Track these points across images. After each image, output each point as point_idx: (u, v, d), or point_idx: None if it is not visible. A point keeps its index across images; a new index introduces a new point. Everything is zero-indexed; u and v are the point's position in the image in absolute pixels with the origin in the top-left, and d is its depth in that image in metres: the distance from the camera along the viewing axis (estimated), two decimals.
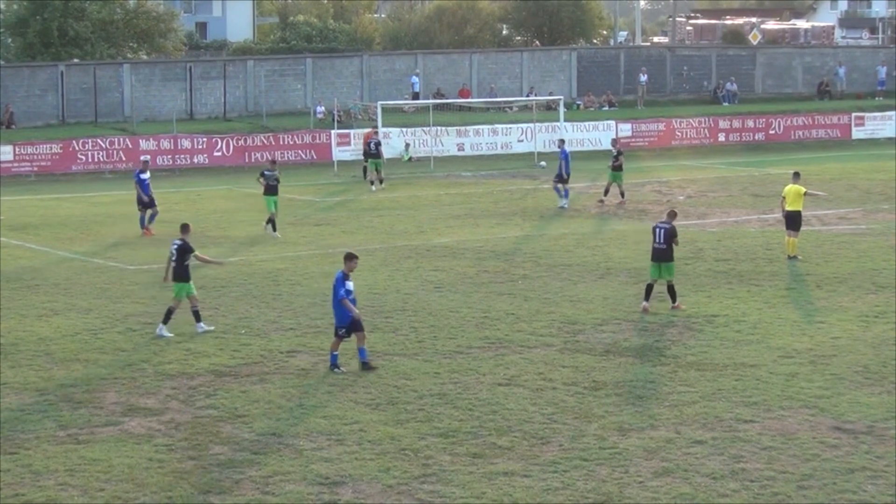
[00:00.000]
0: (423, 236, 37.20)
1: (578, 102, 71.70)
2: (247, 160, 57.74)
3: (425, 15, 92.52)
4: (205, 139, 58.18)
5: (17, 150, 55.14)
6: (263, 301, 27.94)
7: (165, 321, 24.79)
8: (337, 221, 40.63)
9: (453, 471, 16.80)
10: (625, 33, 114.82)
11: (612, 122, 64.36)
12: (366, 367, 21.86)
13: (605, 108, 71.12)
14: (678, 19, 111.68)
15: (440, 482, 16.40)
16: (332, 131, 58.83)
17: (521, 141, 62.16)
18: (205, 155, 57.83)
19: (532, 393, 20.46)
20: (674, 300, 26.54)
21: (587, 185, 48.61)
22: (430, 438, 18.15)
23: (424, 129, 60.16)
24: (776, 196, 37.57)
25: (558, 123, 59.35)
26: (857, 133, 67.51)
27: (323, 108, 65.07)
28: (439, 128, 60.55)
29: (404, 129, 60.72)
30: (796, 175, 33.48)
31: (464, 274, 30.91)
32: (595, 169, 49.83)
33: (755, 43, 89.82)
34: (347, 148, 58.47)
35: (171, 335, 24.49)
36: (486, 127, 62.43)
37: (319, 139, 59.48)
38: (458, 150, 61.08)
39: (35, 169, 55.24)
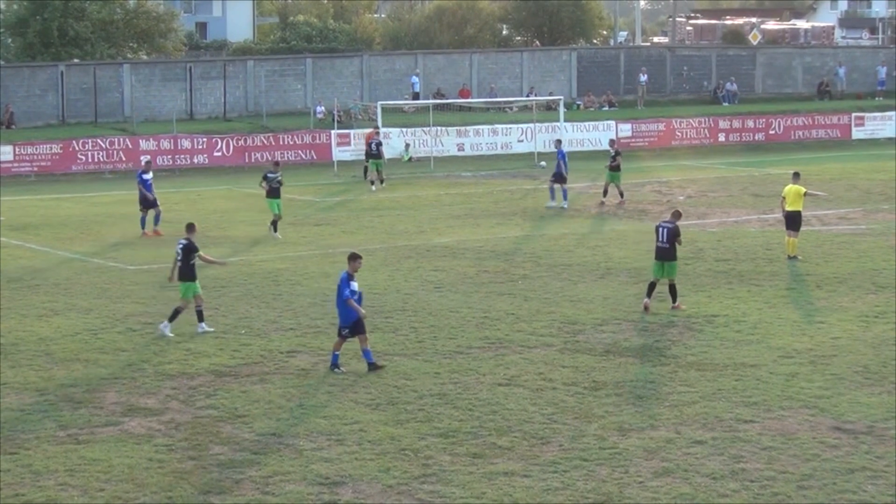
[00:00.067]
0: (424, 236, 37.21)
1: (578, 102, 71.70)
2: (247, 160, 57.75)
3: (425, 15, 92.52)
4: (205, 139, 58.18)
5: (17, 150, 55.14)
6: (264, 301, 27.95)
7: (171, 319, 24.78)
8: (337, 221, 40.64)
9: (453, 471, 16.80)
10: (625, 33, 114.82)
11: (612, 123, 64.36)
12: (373, 367, 21.82)
13: (605, 109, 71.13)
14: (678, 19, 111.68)
15: (440, 482, 16.41)
16: (332, 131, 58.83)
17: (521, 141, 62.17)
18: (205, 155, 57.83)
19: (532, 393, 20.46)
20: (674, 300, 26.55)
21: (587, 185, 48.62)
22: (430, 438, 18.15)
23: (424, 129, 60.16)
24: (776, 196, 37.57)
25: (558, 123, 59.35)
26: (857, 133, 67.52)
27: (323, 108, 65.07)
28: (439, 128, 60.55)
29: (404, 130, 60.72)
30: (796, 175, 33.48)
31: (464, 274, 30.92)
32: (595, 169, 49.83)
33: (755, 43, 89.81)
34: (347, 148, 58.48)
35: (172, 335, 24.49)
36: (486, 127, 62.44)
37: (319, 139, 59.48)
38: (459, 150, 61.09)
39: (35, 169, 55.24)
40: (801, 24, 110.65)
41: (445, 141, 60.87)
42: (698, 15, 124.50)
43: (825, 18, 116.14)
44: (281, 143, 58.96)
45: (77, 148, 55.99)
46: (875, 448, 17.56)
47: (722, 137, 65.54)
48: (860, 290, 28.39)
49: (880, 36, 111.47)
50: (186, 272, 24.90)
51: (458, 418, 19.12)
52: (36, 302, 28.12)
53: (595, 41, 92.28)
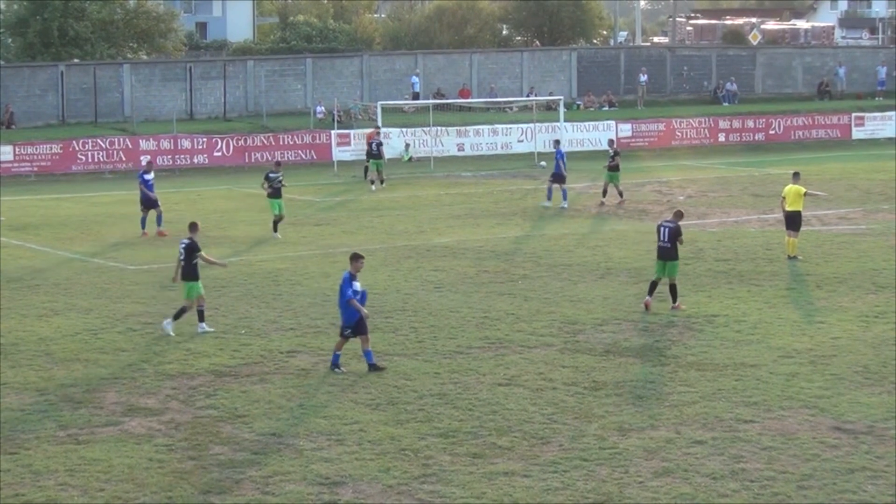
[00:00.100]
0: (424, 236, 37.21)
1: (578, 102, 71.71)
2: (247, 160, 57.77)
3: (425, 15, 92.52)
4: (205, 139, 58.19)
5: (17, 150, 55.15)
6: (264, 301, 27.95)
7: (175, 318, 24.77)
8: (337, 221, 40.65)
9: (453, 471, 16.80)
10: (625, 33, 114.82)
11: (612, 123, 64.37)
12: (374, 368, 21.82)
13: (605, 109, 71.14)
14: (678, 19, 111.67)
15: (440, 482, 16.41)
16: (332, 131, 58.84)
17: (521, 141, 62.19)
18: (205, 155, 57.85)
19: (532, 393, 20.46)
20: (674, 300, 26.56)
21: (587, 185, 48.63)
22: (431, 438, 18.15)
23: (424, 129, 60.18)
24: (776, 196, 37.57)
25: (558, 123, 59.35)
26: (857, 133, 67.53)
27: (323, 108, 65.07)
28: (439, 128, 60.57)
29: (404, 130, 60.74)
30: (796, 175, 33.48)
31: (464, 274, 30.92)
32: (595, 169, 49.82)
33: (755, 43, 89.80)
34: (347, 148, 58.50)
35: (174, 335, 24.49)
36: (486, 127, 62.46)
37: (319, 139, 59.49)
38: (459, 150, 61.11)
39: (35, 169, 55.25)
40: (801, 24, 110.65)
41: (445, 141, 60.88)
42: (698, 15, 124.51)
43: (825, 18, 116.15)
44: (281, 143, 58.97)
45: (77, 148, 56.01)
46: (875, 448, 17.56)
47: (722, 137, 65.56)
48: (860, 290, 28.40)
49: (880, 36, 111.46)
50: (189, 272, 24.89)
51: (458, 418, 19.12)
52: (36, 302, 28.12)
53: (595, 41, 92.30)
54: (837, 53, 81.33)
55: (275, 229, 37.45)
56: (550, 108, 65.33)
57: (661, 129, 64.61)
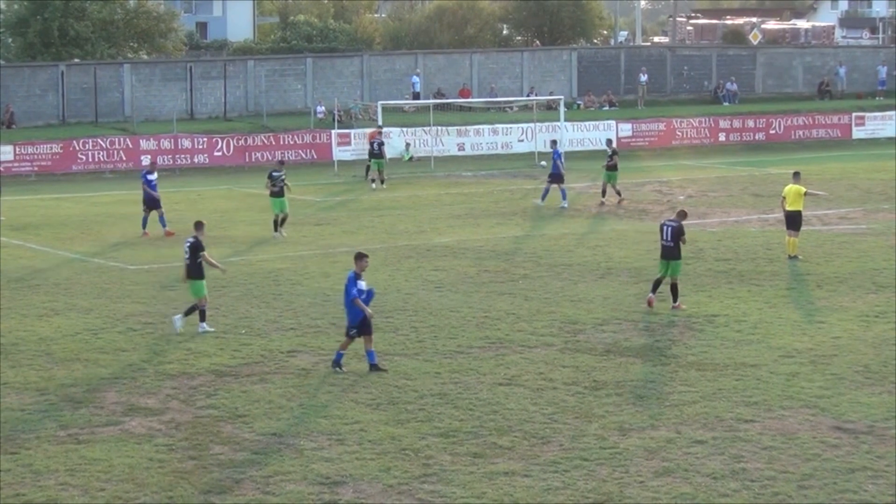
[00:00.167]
0: (424, 236, 37.21)
1: (579, 102, 71.71)
2: (247, 160, 57.79)
3: (426, 15, 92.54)
4: (205, 139, 58.21)
5: (17, 149, 55.17)
6: (264, 301, 27.94)
7: (186, 314, 24.81)
8: (337, 221, 40.65)
9: (454, 471, 16.80)
10: (625, 33, 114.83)
11: (613, 122, 64.40)
12: (375, 368, 21.81)
13: (605, 108, 71.15)
14: (678, 19, 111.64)
15: (441, 482, 16.40)
16: (333, 131, 58.85)
17: (522, 141, 62.22)
18: (205, 155, 57.86)
19: (532, 393, 20.46)
20: (675, 300, 26.56)
21: (587, 185, 48.63)
22: (431, 438, 18.15)
23: (425, 128, 60.20)
24: (776, 196, 37.57)
25: (558, 123, 59.35)
26: (858, 133, 67.54)
27: (323, 107, 65.07)
28: (440, 127, 60.60)
29: (405, 129, 60.76)
30: (796, 175, 33.47)
31: (464, 274, 30.92)
32: (595, 169, 49.80)
33: (755, 43, 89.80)
34: (348, 148, 58.53)
35: (181, 331, 24.51)
36: (486, 127, 62.48)
37: (320, 139, 59.51)
38: (459, 149, 61.13)
39: (35, 169, 55.27)
40: (802, 23, 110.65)
41: (446, 140, 60.91)
42: (698, 15, 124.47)
43: (825, 18, 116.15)
44: (281, 142, 58.98)
45: (77, 148, 56.02)
46: (875, 448, 17.56)
47: (722, 137, 65.58)
48: (861, 289, 28.39)
49: (881, 35, 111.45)
50: (194, 270, 24.91)
51: (459, 418, 19.11)
52: (36, 302, 28.12)
53: (595, 41, 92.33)
54: (838, 53, 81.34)
55: (275, 229, 37.45)
56: (551, 107, 65.33)
57: (662, 128, 64.63)
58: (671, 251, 26.57)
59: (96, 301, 28.16)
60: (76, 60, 66.93)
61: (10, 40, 71.42)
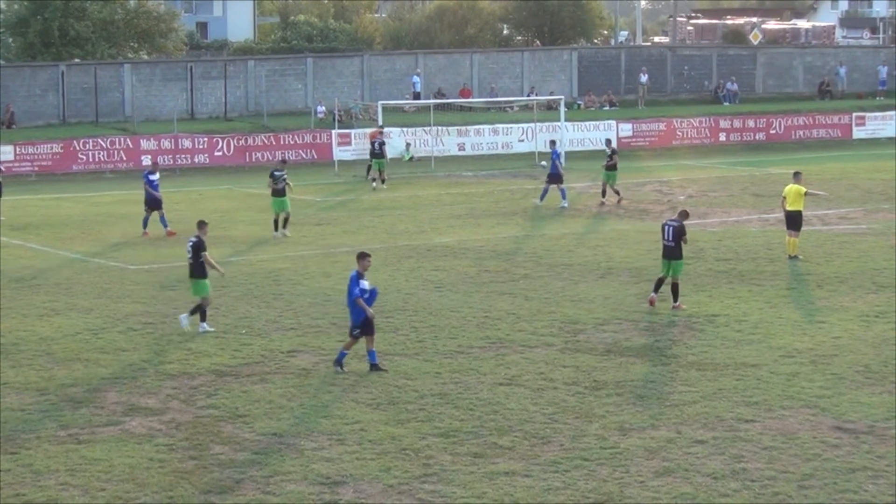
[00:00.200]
0: (424, 236, 37.21)
1: (579, 102, 71.70)
2: (247, 160, 57.80)
3: (426, 15, 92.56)
4: (205, 139, 58.20)
5: (17, 149, 55.15)
6: (264, 301, 27.94)
7: (192, 313, 24.85)
8: (338, 221, 40.65)
9: (454, 470, 16.80)
10: (625, 33, 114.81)
11: (613, 122, 64.39)
12: (376, 368, 21.79)
13: (605, 108, 71.14)
14: (679, 19, 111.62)
15: (441, 482, 16.40)
16: (333, 131, 58.84)
17: (522, 141, 62.21)
18: (205, 155, 57.85)
19: (533, 393, 20.45)
20: (675, 299, 26.56)
21: (587, 185, 48.63)
22: (431, 438, 18.15)
23: (425, 128, 60.19)
24: (777, 196, 37.57)
25: (559, 123, 59.34)
26: (858, 133, 67.53)
27: (324, 107, 65.07)
28: (440, 127, 60.59)
29: (405, 129, 60.76)
30: (797, 175, 33.46)
31: (465, 274, 30.92)
32: (595, 168, 49.79)
33: (756, 43, 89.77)
34: (348, 148, 58.53)
35: (188, 329, 24.52)
36: (486, 127, 62.48)
37: (320, 139, 59.51)
38: (459, 149, 61.13)
39: (36, 169, 55.27)
40: (802, 23, 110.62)
41: (446, 140, 60.91)
42: (699, 15, 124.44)
43: (826, 18, 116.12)
44: (282, 142, 58.97)
45: (78, 148, 56.02)
46: (876, 448, 17.56)
47: (723, 137, 65.58)
48: (861, 289, 28.39)
49: (881, 35, 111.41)
50: (197, 269, 24.92)
51: (459, 418, 19.11)
52: (37, 302, 28.12)
53: (596, 41, 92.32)
54: (838, 53, 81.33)
55: (275, 228, 37.46)
56: (551, 107, 65.31)
57: (662, 128, 64.62)
58: (673, 251, 26.59)
59: (97, 301, 28.16)
60: (76, 60, 66.93)
61: (10, 40, 71.43)
